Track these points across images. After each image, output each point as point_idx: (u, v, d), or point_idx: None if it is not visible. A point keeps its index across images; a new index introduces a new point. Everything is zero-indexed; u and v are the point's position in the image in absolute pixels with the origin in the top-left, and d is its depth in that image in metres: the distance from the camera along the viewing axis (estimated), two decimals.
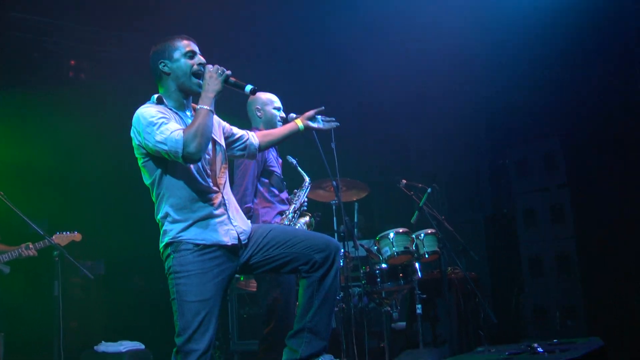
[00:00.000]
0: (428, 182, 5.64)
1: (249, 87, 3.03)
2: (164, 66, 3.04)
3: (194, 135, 2.81)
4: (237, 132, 3.43)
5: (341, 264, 5.20)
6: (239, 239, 3.05)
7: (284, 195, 4.32)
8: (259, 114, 4.33)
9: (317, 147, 4.07)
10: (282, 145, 4.15)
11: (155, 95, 3.07)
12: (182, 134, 2.81)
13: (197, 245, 2.94)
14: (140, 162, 3.03)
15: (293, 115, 4.33)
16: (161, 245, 3.02)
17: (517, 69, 6.72)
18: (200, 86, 2.98)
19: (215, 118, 3.20)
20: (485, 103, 7.39)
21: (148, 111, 2.92)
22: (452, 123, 7.53)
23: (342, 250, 5.02)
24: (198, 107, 2.91)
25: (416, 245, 5.42)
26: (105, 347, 5.70)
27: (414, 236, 5.43)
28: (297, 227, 4.25)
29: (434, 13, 6.27)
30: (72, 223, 5.87)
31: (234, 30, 6.48)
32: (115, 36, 6.64)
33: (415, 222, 5.42)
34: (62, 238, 5.33)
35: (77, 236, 5.50)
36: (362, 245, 5.44)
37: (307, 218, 4.34)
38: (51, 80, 6.65)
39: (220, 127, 3.29)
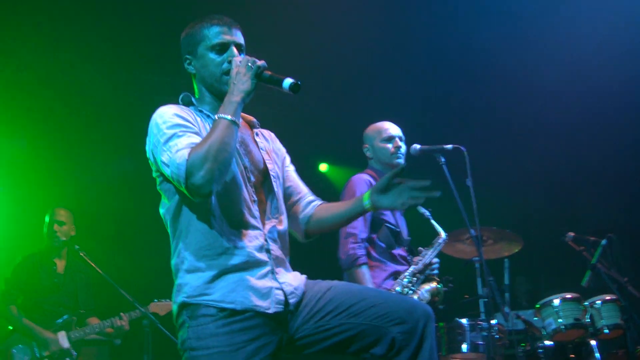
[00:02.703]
0: (601, 234, 4.85)
1: (287, 82, 2.17)
2: (188, 64, 2.38)
3: (202, 159, 2.03)
4: (295, 185, 2.49)
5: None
6: (286, 302, 2.18)
7: (399, 251, 3.62)
8: (368, 153, 3.76)
9: (449, 185, 3.43)
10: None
11: (182, 95, 2.39)
12: (186, 156, 2.06)
13: (224, 310, 2.11)
14: (157, 183, 2.29)
15: (417, 146, 3.59)
16: (174, 306, 2.22)
17: None
18: None
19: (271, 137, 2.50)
20: None
21: (164, 113, 2.21)
22: (628, 161, 6.73)
23: (491, 323, 4.07)
24: (216, 116, 2.14)
25: (591, 317, 4.71)
26: None
27: (587, 304, 4.74)
28: (416, 295, 3.32)
29: (598, 39, 5.84)
30: None
31: (384, 45, 6.13)
32: None
33: (588, 284, 4.71)
34: (160, 307, 4.75)
35: None
36: (518, 316, 4.84)
37: (433, 284, 3.55)
38: None
39: (282, 155, 2.53)
